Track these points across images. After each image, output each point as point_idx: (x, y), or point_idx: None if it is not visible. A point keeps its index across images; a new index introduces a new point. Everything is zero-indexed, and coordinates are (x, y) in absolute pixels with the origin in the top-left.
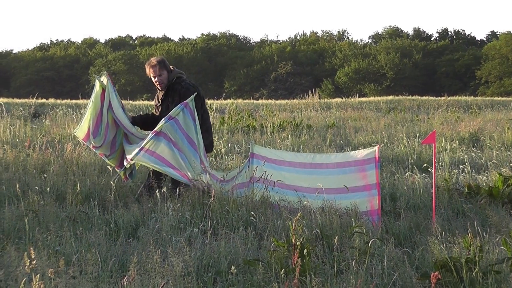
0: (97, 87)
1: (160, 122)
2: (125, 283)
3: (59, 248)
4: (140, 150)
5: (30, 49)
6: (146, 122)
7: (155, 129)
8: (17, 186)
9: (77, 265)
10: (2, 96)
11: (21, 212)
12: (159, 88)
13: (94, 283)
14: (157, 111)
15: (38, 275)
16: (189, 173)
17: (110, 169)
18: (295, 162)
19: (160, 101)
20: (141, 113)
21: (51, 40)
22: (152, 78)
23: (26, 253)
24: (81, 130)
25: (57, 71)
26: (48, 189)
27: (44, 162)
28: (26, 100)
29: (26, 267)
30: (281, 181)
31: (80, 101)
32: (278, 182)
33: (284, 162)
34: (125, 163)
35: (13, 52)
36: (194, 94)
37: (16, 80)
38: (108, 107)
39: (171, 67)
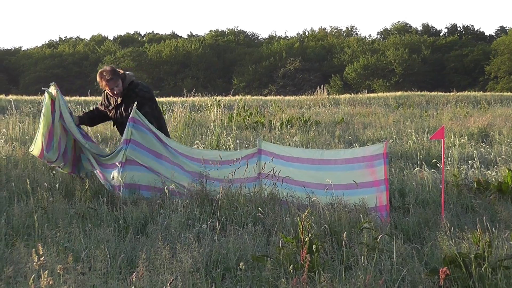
0: (46, 99)
1: (120, 148)
2: (134, 279)
3: (68, 245)
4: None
5: (39, 46)
6: (93, 119)
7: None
8: (27, 183)
9: (86, 261)
10: (11, 93)
11: (30, 209)
12: (115, 97)
13: (103, 279)
14: (108, 112)
15: (47, 271)
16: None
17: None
18: (304, 158)
19: (112, 104)
20: (84, 111)
21: (59, 37)
22: (109, 91)
23: (34, 249)
24: (36, 147)
25: (66, 68)
26: (57, 185)
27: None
28: (35, 97)
29: (35, 263)
30: (289, 177)
31: (89, 98)
32: (287, 178)
33: (293, 158)
34: (104, 181)
35: (22, 49)
36: (135, 104)
37: (25, 77)
38: (59, 118)
39: (120, 71)
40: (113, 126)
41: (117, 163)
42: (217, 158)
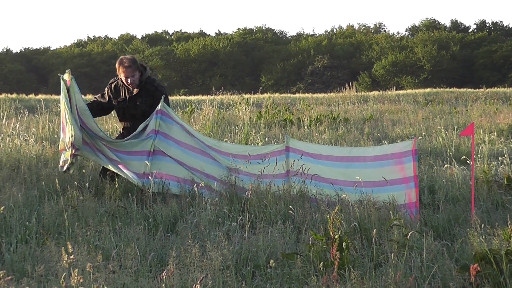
0: (62, 88)
1: (147, 137)
2: (164, 277)
3: (99, 243)
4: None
5: (67, 45)
6: (96, 112)
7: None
8: (56, 182)
9: (116, 259)
10: (40, 93)
11: (61, 208)
12: (130, 87)
13: (133, 278)
14: (114, 103)
15: (78, 270)
16: (194, 177)
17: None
18: (332, 155)
19: (126, 96)
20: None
21: (88, 37)
22: (123, 78)
23: (64, 248)
24: (68, 137)
25: (95, 67)
26: (87, 184)
27: (83, 157)
28: None
29: (65, 261)
30: (317, 175)
31: None
32: (315, 175)
33: (321, 155)
34: (127, 171)
35: (51, 48)
36: (163, 98)
37: (54, 76)
38: (75, 105)
39: (141, 65)
40: (120, 119)
41: (144, 152)
42: (244, 153)
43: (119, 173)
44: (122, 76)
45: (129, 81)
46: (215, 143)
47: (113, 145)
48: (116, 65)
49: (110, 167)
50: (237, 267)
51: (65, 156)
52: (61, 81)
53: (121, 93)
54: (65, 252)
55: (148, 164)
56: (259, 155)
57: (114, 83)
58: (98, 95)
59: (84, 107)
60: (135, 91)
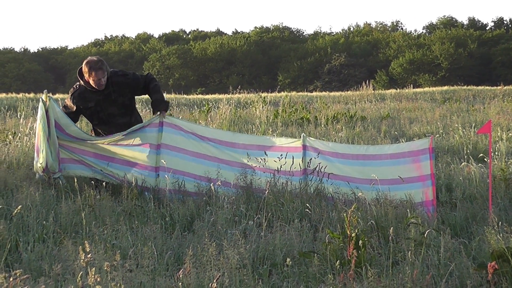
0: (41, 109)
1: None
2: (181, 275)
3: (116, 242)
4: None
5: (85, 45)
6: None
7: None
8: (74, 181)
9: (133, 258)
10: (58, 92)
11: (78, 207)
12: (98, 88)
13: (150, 276)
14: (85, 109)
15: (95, 269)
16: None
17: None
18: (348, 153)
19: (94, 100)
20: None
21: (105, 36)
22: (95, 82)
23: (82, 247)
24: (42, 159)
25: (112, 66)
26: (104, 183)
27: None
28: None
29: (82, 260)
30: (333, 174)
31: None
32: (331, 174)
33: (337, 154)
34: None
35: (68, 48)
36: (159, 113)
37: (72, 76)
38: (54, 127)
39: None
40: (95, 125)
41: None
42: (261, 143)
43: (109, 180)
44: (93, 80)
45: (102, 82)
46: (231, 136)
47: (115, 140)
48: (85, 70)
49: (98, 177)
50: (253, 265)
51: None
52: (41, 102)
53: (90, 97)
54: (82, 251)
55: (157, 157)
56: (275, 147)
57: (77, 91)
58: (64, 105)
59: (69, 122)
60: (105, 91)
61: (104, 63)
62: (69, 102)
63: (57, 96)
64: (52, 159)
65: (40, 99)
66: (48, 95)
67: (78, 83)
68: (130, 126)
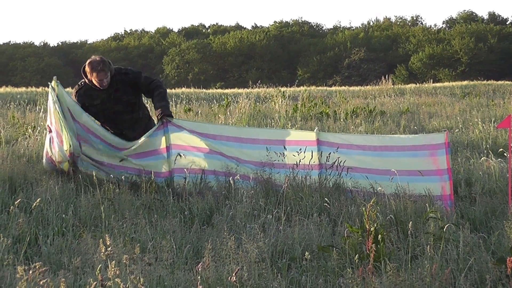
0: (52, 95)
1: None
2: (200, 269)
3: (135, 236)
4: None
5: (104, 39)
6: None
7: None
8: (93, 174)
9: (152, 252)
10: None
11: (97, 201)
12: (101, 88)
13: (169, 270)
14: (91, 107)
15: (114, 262)
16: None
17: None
18: (364, 145)
19: (100, 98)
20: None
21: (125, 30)
22: (98, 82)
23: (101, 240)
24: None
25: (131, 60)
26: (122, 177)
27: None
28: None
29: (102, 253)
30: (351, 167)
31: None
32: (349, 168)
33: (353, 145)
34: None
35: (88, 42)
36: (167, 120)
37: None
38: (68, 111)
39: (108, 62)
40: (101, 122)
41: (160, 150)
42: (279, 138)
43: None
44: (96, 79)
45: (104, 83)
46: (252, 133)
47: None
48: (87, 70)
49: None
50: (272, 259)
51: (64, 167)
52: (50, 89)
53: (95, 95)
54: (102, 245)
55: (167, 160)
56: (292, 141)
57: (83, 89)
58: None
59: (79, 110)
60: (110, 90)
61: (106, 63)
62: (74, 99)
63: None
64: (74, 141)
65: (50, 86)
66: (57, 81)
67: (83, 80)
68: (138, 121)
